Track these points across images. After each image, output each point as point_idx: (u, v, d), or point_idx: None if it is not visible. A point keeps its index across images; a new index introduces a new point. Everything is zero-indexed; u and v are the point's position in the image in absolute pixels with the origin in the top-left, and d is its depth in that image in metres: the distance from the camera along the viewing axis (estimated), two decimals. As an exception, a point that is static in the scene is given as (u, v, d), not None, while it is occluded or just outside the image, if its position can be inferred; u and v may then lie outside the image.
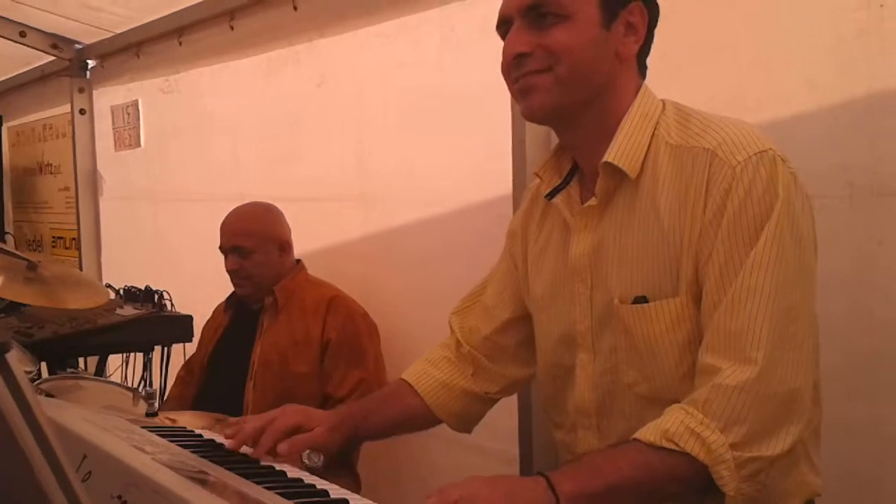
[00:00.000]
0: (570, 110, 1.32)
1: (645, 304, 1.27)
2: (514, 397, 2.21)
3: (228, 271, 2.73)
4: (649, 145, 1.29)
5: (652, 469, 1.16)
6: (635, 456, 1.17)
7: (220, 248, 2.75)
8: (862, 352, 1.64)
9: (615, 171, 1.30)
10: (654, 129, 1.30)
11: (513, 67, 1.31)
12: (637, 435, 1.19)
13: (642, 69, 1.37)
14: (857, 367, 1.64)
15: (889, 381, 1.61)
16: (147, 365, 3.40)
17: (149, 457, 1.24)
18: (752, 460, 1.15)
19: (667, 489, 1.18)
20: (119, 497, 1.13)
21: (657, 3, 1.35)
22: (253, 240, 2.70)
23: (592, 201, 1.34)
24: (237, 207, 2.82)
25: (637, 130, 1.30)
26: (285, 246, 2.77)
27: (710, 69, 1.85)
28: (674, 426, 1.16)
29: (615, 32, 1.29)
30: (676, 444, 1.15)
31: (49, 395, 2.32)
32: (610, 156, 1.29)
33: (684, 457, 1.15)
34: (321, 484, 1.28)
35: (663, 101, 1.35)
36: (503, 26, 1.33)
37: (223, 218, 2.80)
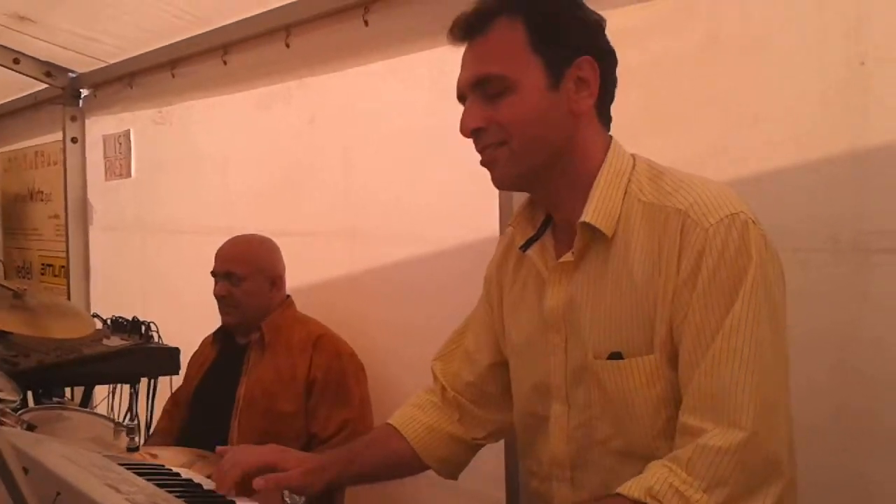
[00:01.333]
0: (534, 174, 1.35)
1: (620, 361, 1.28)
2: (501, 442, 2.21)
3: (217, 296, 2.72)
4: (622, 202, 1.31)
5: None
6: None
7: (213, 272, 2.75)
8: (847, 408, 1.63)
9: (592, 230, 1.31)
10: (627, 185, 1.32)
11: (474, 141, 1.34)
12: (620, 490, 1.19)
13: (604, 119, 1.37)
14: (843, 423, 1.64)
15: (875, 438, 1.61)
16: (133, 396, 3.38)
17: (122, 497, 1.23)
18: None
19: None
20: (91, 538, 1.12)
21: (612, 52, 1.35)
22: (246, 268, 2.71)
23: (568, 257, 1.34)
24: (236, 237, 2.84)
25: (611, 189, 1.31)
26: (277, 281, 2.77)
27: (694, 122, 1.86)
28: (658, 484, 1.17)
29: (565, 91, 1.29)
30: (660, 502, 1.16)
31: (31, 426, 2.30)
32: (587, 216, 1.30)
33: None
34: (296, 527, 1.27)
35: (633, 157, 1.36)
36: (461, 99, 1.35)
37: (212, 251, 2.81)
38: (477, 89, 1.31)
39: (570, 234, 1.35)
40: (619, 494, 1.19)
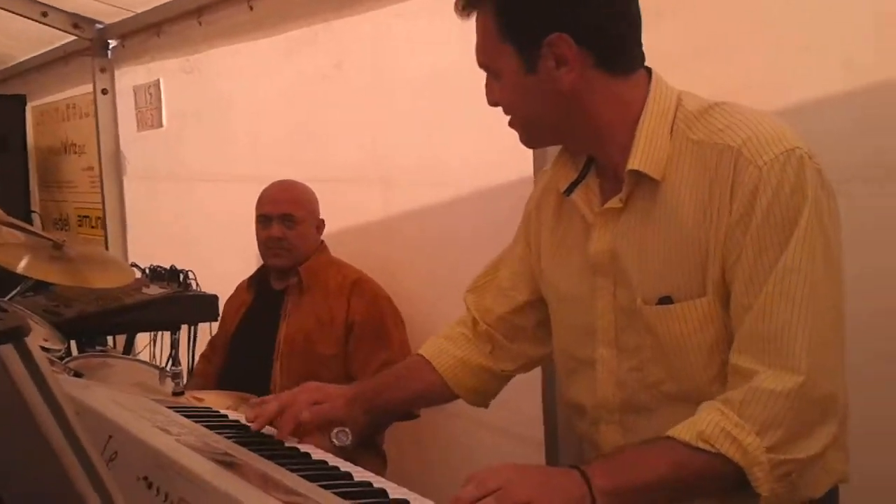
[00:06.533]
0: (554, 139, 1.39)
1: (670, 305, 1.27)
2: (538, 382, 2.22)
3: (269, 238, 2.72)
4: (669, 142, 1.27)
5: (686, 468, 1.17)
6: (669, 454, 1.18)
7: (265, 214, 2.74)
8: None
9: (639, 175, 1.28)
10: (673, 124, 1.28)
11: None
12: (671, 433, 1.19)
13: (621, 68, 1.30)
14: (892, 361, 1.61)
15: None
16: (174, 343, 3.44)
17: (173, 438, 1.25)
18: (786, 462, 1.16)
19: (699, 487, 1.20)
20: (145, 479, 1.15)
21: (595, 8, 1.27)
22: (303, 211, 2.75)
23: (615, 203, 1.32)
24: (281, 180, 2.84)
25: (655, 131, 1.28)
26: (321, 226, 2.81)
27: (737, 51, 1.81)
28: (709, 427, 1.17)
29: (544, 70, 1.27)
30: (712, 445, 1.16)
31: (78, 373, 2.35)
32: (634, 163, 1.27)
33: (719, 457, 1.16)
34: (345, 466, 1.29)
35: (679, 94, 1.32)
36: None
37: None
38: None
39: (615, 177, 1.32)
40: (669, 437, 1.19)
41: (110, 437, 1.27)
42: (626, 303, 1.33)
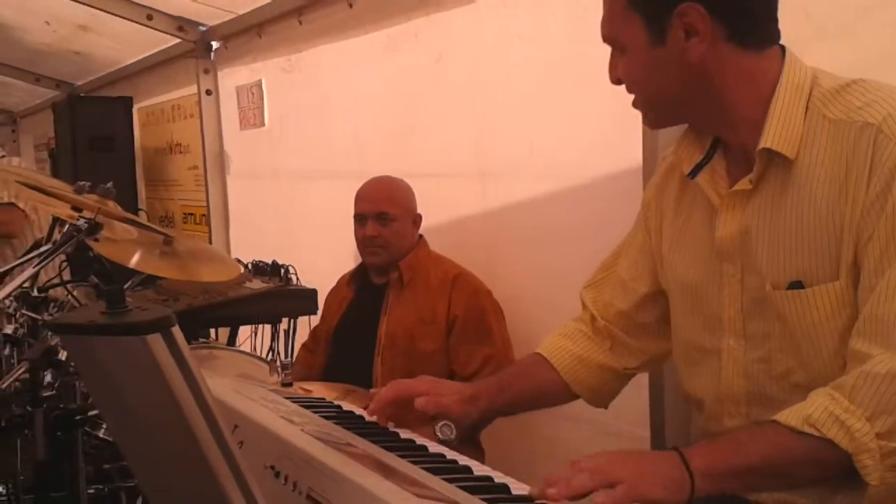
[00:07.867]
0: (679, 117, 1.35)
1: (801, 290, 1.23)
2: (645, 377, 2.18)
3: (365, 237, 2.73)
4: (804, 121, 1.23)
5: (790, 453, 1.15)
6: (774, 438, 1.16)
7: (361, 213, 2.76)
8: None
9: (772, 154, 1.24)
10: (808, 102, 1.24)
11: None
12: (777, 417, 1.17)
13: (754, 42, 1.26)
14: None
15: None
16: (275, 336, 3.51)
17: (298, 428, 1.28)
18: None
19: (803, 474, 1.17)
20: (272, 468, 1.17)
21: None
22: (397, 208, 2.75)
23: (745, 184, 1.28)
24: (376, 178, 2.86)
25: (790, 108, 1.24)
26: (418, 220, 2.82)
27: (859, 28, 1.74)
28: (817, 411, 1.13)
29: (674, 42, 1.24)
30: (819, 430, 1.13)
31: (190, 365, 2.41)
32: (767, 141, 1.23)
33: (826, 443, 1.13)
34: (462, 460, 1.29)
35: (814, 71, 1.27)
36: None
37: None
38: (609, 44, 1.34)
39: (744, 157, 1.29)
40: (775, 422, 1.16)
41: (236, 426, 1.30)
42: (754, 289, 1.30)
